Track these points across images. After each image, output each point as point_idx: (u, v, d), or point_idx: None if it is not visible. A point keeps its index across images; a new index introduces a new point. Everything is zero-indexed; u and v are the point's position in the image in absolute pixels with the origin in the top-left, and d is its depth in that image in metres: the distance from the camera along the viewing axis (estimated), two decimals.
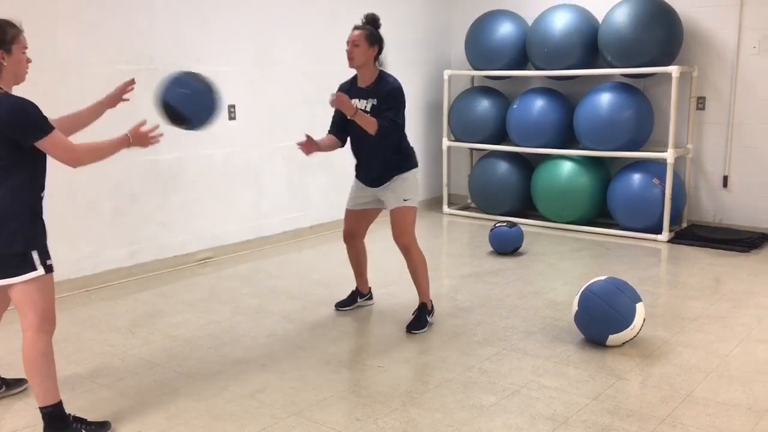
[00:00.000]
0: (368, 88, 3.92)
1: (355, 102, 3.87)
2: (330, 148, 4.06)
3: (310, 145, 3.92)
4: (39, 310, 2.76)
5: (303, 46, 6.23)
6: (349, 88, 4.00)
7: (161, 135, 3.03)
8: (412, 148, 4.08)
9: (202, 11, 5.42)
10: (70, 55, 4.65)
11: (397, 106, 3.86)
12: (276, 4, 5.97)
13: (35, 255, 2.72)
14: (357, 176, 4.16)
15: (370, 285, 4.51)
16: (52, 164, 2.80)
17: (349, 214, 4.25)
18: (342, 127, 4.02)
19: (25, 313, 2.76)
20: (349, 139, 4.07)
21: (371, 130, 3.76)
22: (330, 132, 4.10)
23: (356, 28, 3.89)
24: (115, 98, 3.32)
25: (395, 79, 3.92)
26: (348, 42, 3.88)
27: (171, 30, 5.24)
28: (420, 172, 4.07)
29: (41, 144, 2.67)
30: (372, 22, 3.92)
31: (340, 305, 4.42)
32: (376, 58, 3.93)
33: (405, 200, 3.97)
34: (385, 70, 3.97)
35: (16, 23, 2.74)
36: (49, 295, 2.80)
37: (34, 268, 2.72)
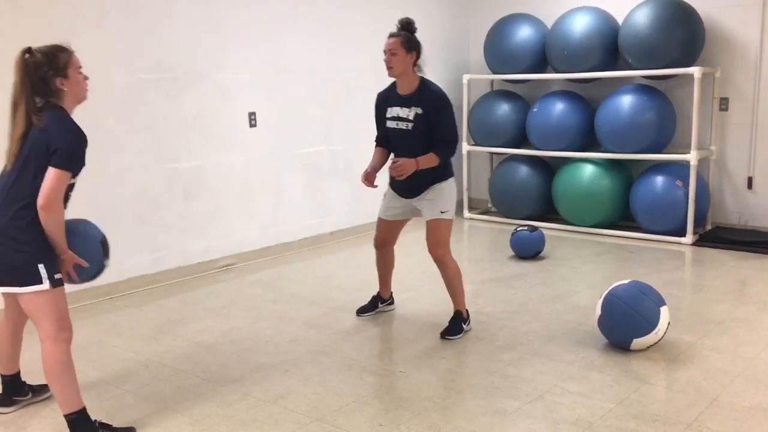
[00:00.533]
0: (410, 96, 3.84)
1: (396, 110, 3.83)
2: (383, 162, 4.03)
3: (371, 177, 3.92)
4: (53, 320, 2.80)
5: (320, 53, 6.25)
6: (388, 97, 3.95)
7: (81, 265, 2.92)
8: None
9: (220, 20, 5.47)
10: (91, 65, 4.65)
11: (448, 118, 3.80)
12: (292, 12, 6.01)
13: (42, 268, 2.75)
14: (391, 185, 4.08)
15: (392, 290, 4.50)
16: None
17: (382, 223, 4.21)
18: (388, 140, 4.01)
19: (40, 323, 2.81)
20: (389, 144, 4.04)
21: (435, 164, 3.77)
22: (378, 145, 4.07)
23: (391, 35, 3.80)
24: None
25: (439, 88, 3.86)
26: (385, 51, 3.78)
27: (190, 39, 5.29)
28: (454, 180, 4.04)
29: (52, 170, 2.69)
30: (407, 27, 3.83)
31: (362, 311, 4.41)
32: (416, 64, 3.84)
33: (442, 212, 3.91)
34: (425, 77, 3.89)
35: (65, 46, 2.83)
36: (61, 305, 2.83)
37: (40, 282, 2.75)
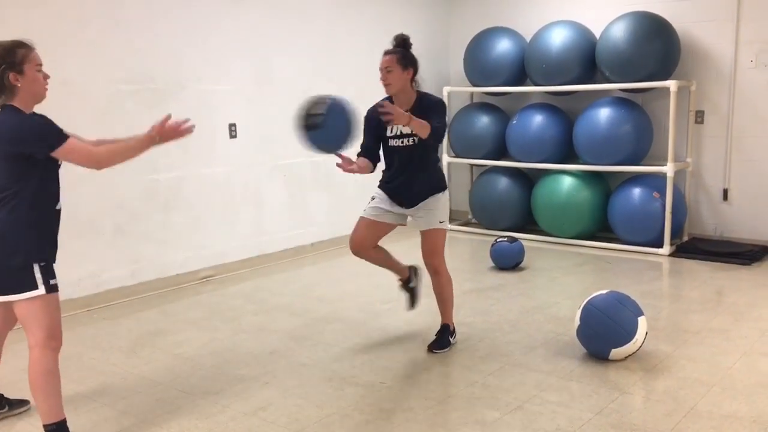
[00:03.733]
0: (410, 111, 3.69)
1: (399, 128, 3.76)
2: (364, 170, 3.86)
3: (348, 164, 3.71)
4: (45, 328, 2.77)
5: (301, 65, 6.27)
6: None
7: (193, 126, 2.99)
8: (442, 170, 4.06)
9: (202, 31, 5.47)
10: (71, 76, 4.68)
11: (441, 114, 3.79)
12: (275, 24, 6.02)
13: (37, 274, 2.73)
14: (390, 195, 3.98)
15: (406, 265, 4.26)
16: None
17: (365, 223, 4.03)
18: (373, 152, 3.90)
19: (31, 330, 2.78)
20: (385, 159, 3.95)
21: (425, 134, 3.59)
22: (361, 155, 3.92)
23: (386, 52, 3.75)
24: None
25: (438, 97, 3.88)
26: (380, 69, 3.74)
27: (171, 50, 5.29)
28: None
29: (59, 153, 2.71)
30: (402, 44, 3.78)
31: (410, 305, 4.29)
32: (413, 79, 3.80)
33: (441, 222, 3.91)
34: (423, 91, 3.86)
35: (26, 42, 2.78)
36: (54, 313, 2.81)
37: (35, 287, 2.73)
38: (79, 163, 2.79)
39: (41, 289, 2.74)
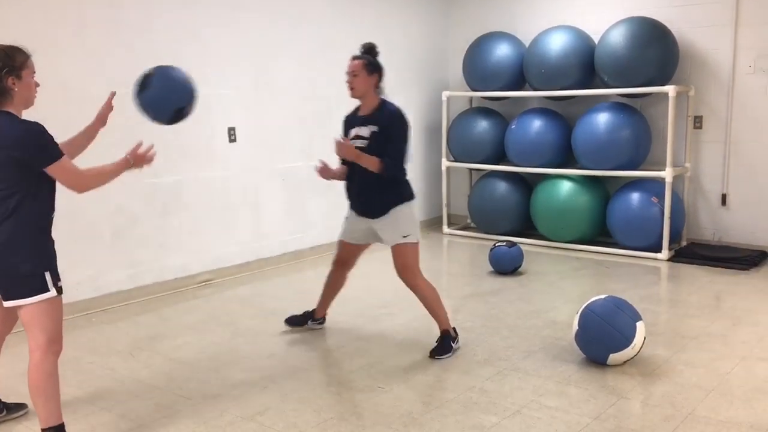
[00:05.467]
0: (369, 116, 3.90)
1: (356, 130, 3.88)
2: (342, 177, 4.04)
3: (326, 171, 3.95)
4: (47, 331, 2.79)
5: (300, 70, 6.28)
6: (352, 118, 4.02)
7: (154, 153, 3.08)
8: (408, 180, 3.99)
9: (201, 36, 5.48)
10: (70, 80, 4.69)
11: (399, 137, 3.84)
12: (273, 29, 6.03)
13: (48, 276, 2.76)
14: (351, 206, 4.10)
15: (326, 312, 4.48)
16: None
17: (343, 245, 4.22)
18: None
19: (33, 333, 2.79)
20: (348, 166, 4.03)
21: (374, 169, 3.76)
22: (342, 163, 4.05)
23: (354, 57, 3.90)
24: (104, 116, 3.35)
25: (397, 107, 3.90)
26: (347, 73, 3.88)
27: (170, 54, 5.27)
28: (415, 203, 4.02)
29: (51, 169, 2.72)
30: (369, 51, 3.93)
31: (291, 322, 4.42)
32: (377, 86, 3.92)
33: (404, 236, 3.90)
34: (386, 98, 3.95)
35: (24, 49, 2.80)
36: (57, 316, 2.83)
37: (47, 290, 2.76)
38: (64, 182, 2.79)
39: (52, 291, 2.77)
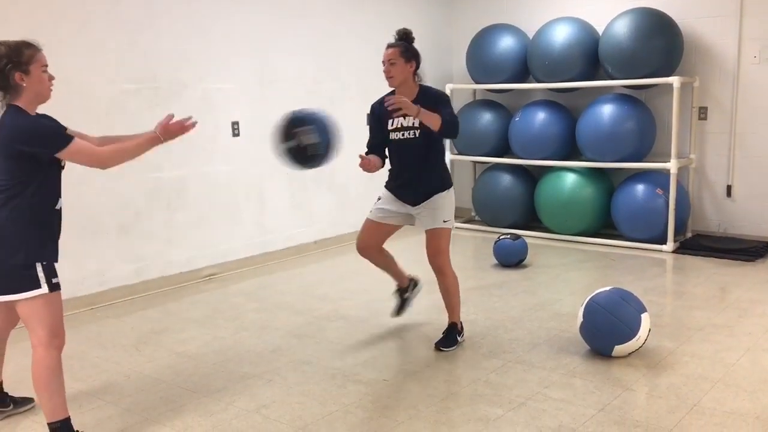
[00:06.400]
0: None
1: (399, 121, 3.78)
2: (379, 167, 3.90)
3: (369, 163, 3.78)
4: (47, 326, 2.79)
5: (304, 63, 6.27)
6: (385, 109, 3.77)
7: (196, 122, 3.03)
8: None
9: (204, 30, 5.48)
10: (74, 74, 4.69)
11: (450, 105, 3.78)
12: (277, 22, 6.02)
13: (40, 273, 2.74)
14: (395, 193, 3.99)
15: (408, 275, 4.33)
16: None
17: (370, 225, 4.08)
18: (380, 148, 3.92)
19: (34, 328, 2.79)
20: (389, 155, 3.95)
21: (436, 125, 3.60)
22: (370, 152, 3.92)
23: (390, 45, 3.78)
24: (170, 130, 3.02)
25: (439, 89, 3.88)
26: (384, 61, 3.77)
27: (174, 49, 5.29)
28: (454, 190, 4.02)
29: (63, 154, 2.73)
30: (405, 37, 3.82)
31: (397, 313, 4.33)
32: (415, 73, 3.83)
33: (445, 221, 3.88)
34: (426, 85, 3.88)
35: (33, 43, 2.80)
36: (57, 311, 2.83)
37: (38, 286, 2.74)
38: (83, 163, 2.81)
39: (44, 288, 2.75)
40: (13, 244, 2.72)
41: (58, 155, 2.73)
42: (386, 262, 4.24)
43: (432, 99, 3.77)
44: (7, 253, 2.72)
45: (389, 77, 3.79)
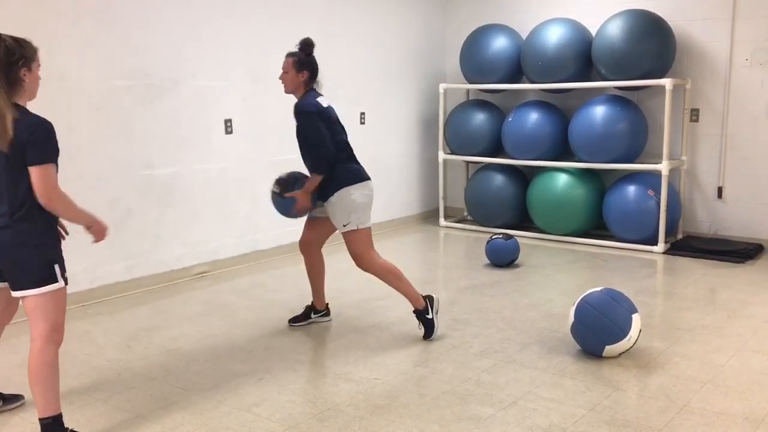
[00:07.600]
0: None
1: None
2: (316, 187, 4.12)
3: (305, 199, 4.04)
4: (50, 320, 2.80)
5: None
6: None
7: (104, 239, 3.07)
8: (348, 164, 3.99)
9: (197, 26, 5.46)
10: (65, 71, 4.67)
11: (309, 126, 3.89)
12: (269, 20, 6.01)
13: (57, 267, 2.78)
14: None
15: (328, 301, 4.46)
16: None
17: (307, 221, 4.26)
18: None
19: (36, 322, 2.79)
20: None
21: (317, 182, 3.91)
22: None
23: (287, 55, 3.99)
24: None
25: (309, 103, 3.94)
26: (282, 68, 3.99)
27: (166, 45, 5.27)
28: (363, 187, 3.98)
29: (37, 168, 2.66)
30: (303, 48, 3.99)
31: (294, 321, 4.38)
32: (308, 83, 4.00)
33: (344, 225, 3.92)
34: (317, 91, 4.03)
35: (30, 41, 2.79)
36: (62, 306, 2.84)
37: (56, 280, 2.78)
38: (39, 187, 2.68)
39: (61, 282, 2.79)
40: (35, 243, 2.74)
41: (33, 167, 2.67)
42: (317, 272, 4.32)
43: (296, 116, 3.96)
44: (29, 251, 2.74)
45: (283, 84, 4.02)
